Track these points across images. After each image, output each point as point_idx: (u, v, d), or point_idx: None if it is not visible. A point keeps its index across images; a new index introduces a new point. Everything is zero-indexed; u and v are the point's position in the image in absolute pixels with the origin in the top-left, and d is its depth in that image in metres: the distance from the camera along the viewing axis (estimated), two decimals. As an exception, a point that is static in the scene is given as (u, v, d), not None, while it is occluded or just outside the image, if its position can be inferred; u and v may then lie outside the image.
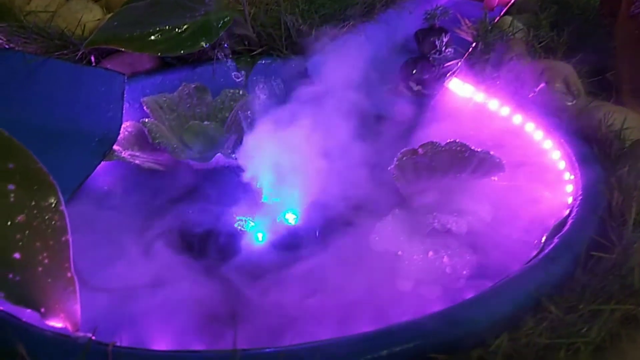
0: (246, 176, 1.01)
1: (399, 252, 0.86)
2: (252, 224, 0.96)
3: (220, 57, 1.21)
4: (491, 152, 0.89)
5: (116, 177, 1.07)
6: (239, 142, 1.12)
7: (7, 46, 1.13)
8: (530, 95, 1.03)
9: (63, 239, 0.64)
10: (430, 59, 1.18)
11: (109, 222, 0.95)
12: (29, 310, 0.62)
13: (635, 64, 1.13)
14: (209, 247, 0.92)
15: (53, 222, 0.64)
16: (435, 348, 0.58)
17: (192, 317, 0.74)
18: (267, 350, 0.56)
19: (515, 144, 0.98)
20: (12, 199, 0.64)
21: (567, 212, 0.79)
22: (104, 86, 1.06)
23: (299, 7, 1.31)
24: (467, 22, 1.18)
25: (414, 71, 1.20)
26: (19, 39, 1.15)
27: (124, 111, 1.06)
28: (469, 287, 0.78)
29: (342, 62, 1.21)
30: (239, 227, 0.96)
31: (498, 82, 1.07)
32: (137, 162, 1.06)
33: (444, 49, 1.17)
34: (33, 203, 0.64)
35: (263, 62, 1.25)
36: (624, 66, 1.15)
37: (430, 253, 0.86)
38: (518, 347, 0.60)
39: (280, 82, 1.25)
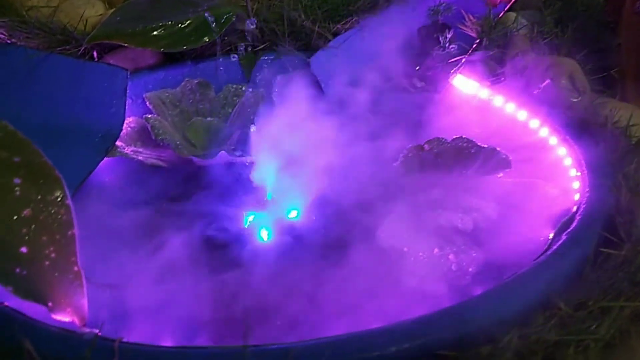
0: (250, 173, 1.01)
1: (405, 249, 0.86)
2: (257, 220, 0.96)
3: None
4: (498, 149, 0.88)
5: (119, 173, 1.06)
6: (242, 138, 1.12)
7: (9, 41, 1.12)
8: (535, 92, 1.02)
9: (69, 233, 0.63)
10: (434, 55, 1.17)
11: (112, 219, 0.95)
12: (34, 306, 0.61)
13: (641, 61, 1.13)
14: (214, 243, 0.91)
15: (59, 216, 0.64)
16: (444, 345, 0.57)
17: (198, 314, 0.73)
18: (277, 346, 0.55)
19: (521, 141, 0.98)
20: (17, 193, 0.64)
21: (575, 208, 0.78)
22: (106, 81, 1.06)
23: (302, 3, 1.31)
24: (471, 18, 1.18)
25: (418, 68, 1.20)
26: (21, 34, 1.14)
27: (126, 107, 1.06)
28: (474, 284, 0.78)
29: (344, 58, 1.21)
30: (244, 224, 0.96)
31: (503, 79, 1.07)
32: (140, 158, 1.05)
33: (447, 45, 1.17)
34: (39, 197, 0.64)
35: (266, 57, 1.24)
36: (629, 63, 1.14)
37: (436, 250, 0.85)
38: (527, 344, 0.59)
39: (282, 78, 1.24)
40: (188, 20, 1.15)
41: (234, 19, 1.19)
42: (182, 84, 1.18)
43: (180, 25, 1.15)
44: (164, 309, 0.76)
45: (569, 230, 0.73)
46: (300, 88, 1.13)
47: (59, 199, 0.64)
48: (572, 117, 0.97)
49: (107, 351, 0.55)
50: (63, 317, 0.61)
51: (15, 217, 0.63)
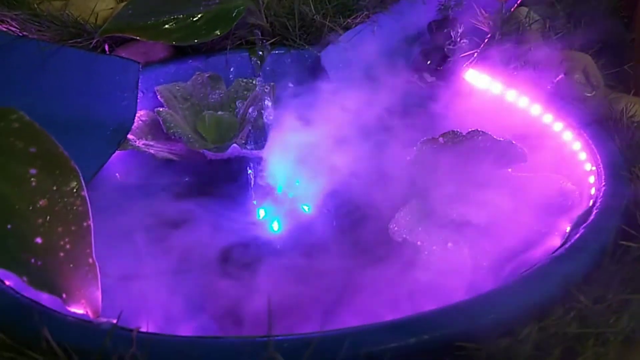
0: (261, 166, 1.00)
1: (418, 243, 0.85)
2: (269, 213, 0.95)
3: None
4: (514, 142, 0.87)
5: (130, 166, 1.06)
6: (253, 132, 1.12)
7: (21, 34, 1.12)
8: (549, 86, 1.02)
9: (85, 224, 0.63)
10: (445, 50, 1.17)
11: (123, 212, 0.95)
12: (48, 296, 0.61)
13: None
14: (226, 237, 0.91)
15: (75, 207, 0.64)
16: (464, 337, 0.57)
17: (213, 306, 0.73)
18: (298, 336, 0.55)
19: (535, 135, 0.97)
20: (33, 184, 0.63)
21: (591, 202, 0.78)
22: (118, 75, 1.05)
23: (312, -3, 1.30)
24: (483, 12, 1.17)
25: (429, 62, 1.19)
26: (33, 27, 1.14)
27: (138, 100, 1.05)
28: (489, 278, 0.77)
29: (355, 53, 1.21)
30: (256, 217, 0.95)
31: (516, 73, 1.06)
32: (151, 151, 1.05)
33: (458, 39, 1.16)
34: (55, 187, 0.64)
35: (276, 52, 1.24)
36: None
37: (450, 244, 0.85)
38: (547, 337, 0.59)
39: (293, 72, 1.24)
40: (199, 13, 1.15)
41: (244, 12, 1.18)
42: (193, 77, 1.18)
43: (191, 18, 1.14)
44: (176, 300, 0.76)
45: (587, 223, 0.72)
46: (309, 83, 1.13)
47: (75, 190, 0.64)
48: (587, 112, 0.96)
49: (124, 340, 0.55)
50: (77, 309, 0.61)
51: (30, 208, 0.63)
